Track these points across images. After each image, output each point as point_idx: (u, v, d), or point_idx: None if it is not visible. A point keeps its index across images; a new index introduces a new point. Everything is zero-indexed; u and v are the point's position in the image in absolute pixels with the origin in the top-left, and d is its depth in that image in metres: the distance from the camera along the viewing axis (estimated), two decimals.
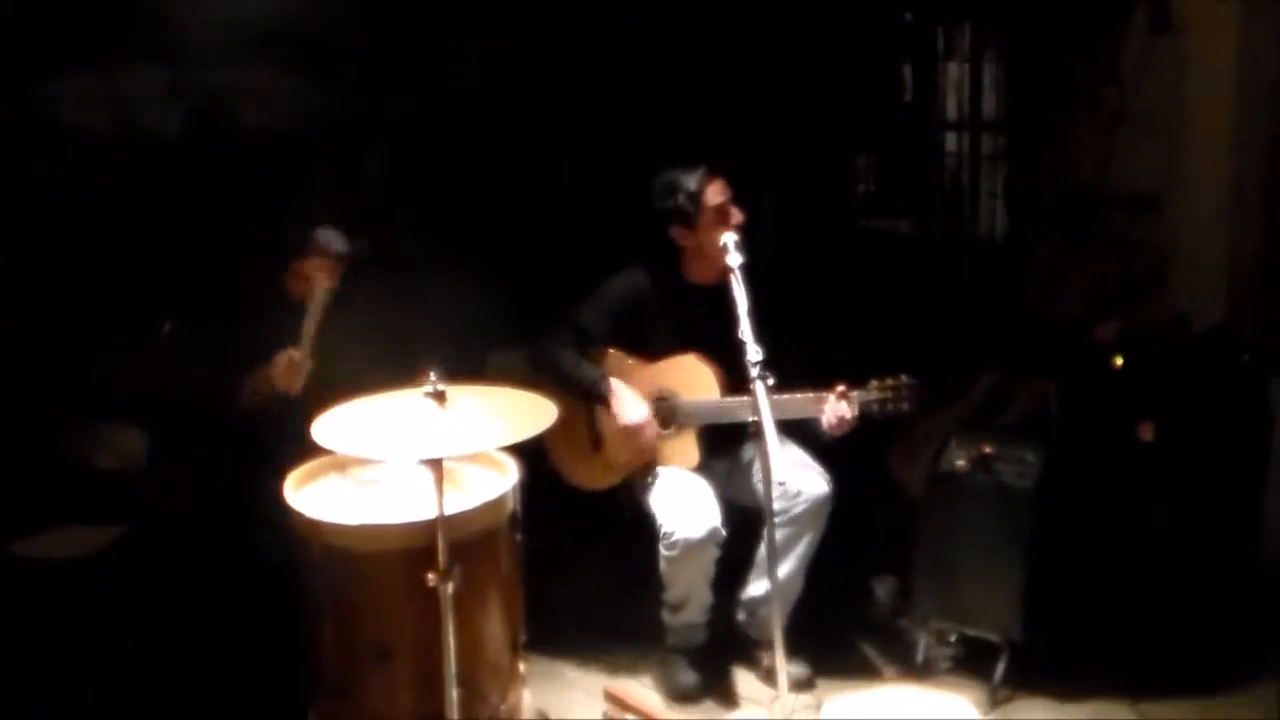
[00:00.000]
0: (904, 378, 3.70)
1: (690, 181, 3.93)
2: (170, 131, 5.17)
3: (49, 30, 4.71)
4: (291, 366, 3.78)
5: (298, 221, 4.01)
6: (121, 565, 4.28)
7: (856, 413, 3.70)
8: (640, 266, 4.10)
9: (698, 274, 4.01)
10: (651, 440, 3.95)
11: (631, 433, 3.93)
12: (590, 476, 4.14)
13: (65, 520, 4.40)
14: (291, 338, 3.87)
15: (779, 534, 3.56)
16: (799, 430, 3.81)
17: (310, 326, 3.82)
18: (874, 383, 3.71)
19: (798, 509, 3.81)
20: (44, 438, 4.65)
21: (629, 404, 3.93)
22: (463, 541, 3.07)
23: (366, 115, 5.27)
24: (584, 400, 4.00)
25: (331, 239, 3.93)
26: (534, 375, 4.02)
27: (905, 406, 3.69)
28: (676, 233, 3.98)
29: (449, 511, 2.99)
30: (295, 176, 4.93)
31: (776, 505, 3.31)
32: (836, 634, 4.21)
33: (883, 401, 3.70)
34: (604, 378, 3.97)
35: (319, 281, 3.86)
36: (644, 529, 3.92)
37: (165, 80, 5.12)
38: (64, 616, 4.03)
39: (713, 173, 3.95)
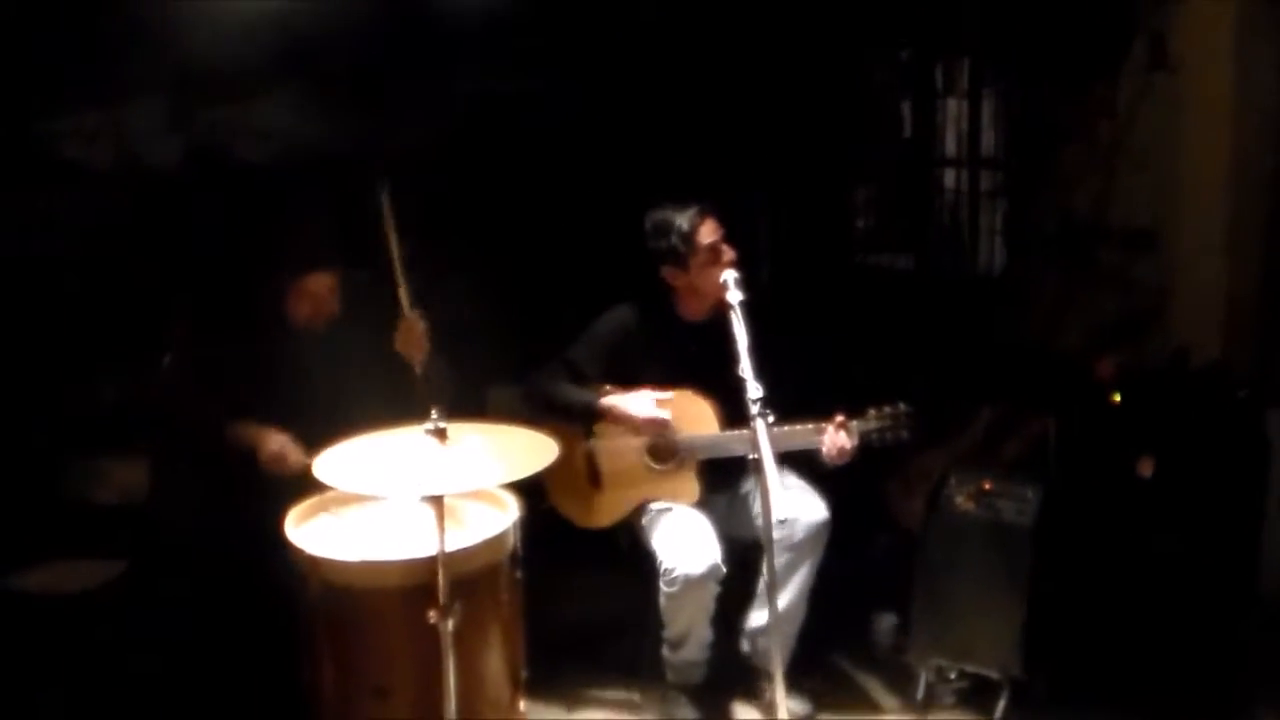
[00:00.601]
0: (902, 406, 3.74)
1: (683, 221, 3.94)
2: (171, 164, 5.18)
3: (50, 64, 4.73)
4: (281, 459, 3.70)
5: (295, 247, 4.02)
6: (123, 600, 4.29)
7: (856, 442, 3.72)
8: (631, 304, 4.11)
9: (690, 311, 4.03)
10: (662, 420, 3.93)
11: (652, 425, 3.93)
12: (590, 514, 4.14)
13: (66, 555, 4.39)
14: (298, 367, 3.88)
15: (778, 561, 3.57)
16: (797, 459, 3.82)
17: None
18: (872, 411, 3.75)
19: (797, 536, 3.83)
20: (45, 472, 4.64)
21: (632, 405, 3.93)
22: (463, 578, 3.07)
23: (365, 148, 5.28)
24: (584, 422, 4.02)
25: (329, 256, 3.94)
26: (530, 414, 4.02)
27: (904, 434, 3.73)
28: (668, 272, 4.00)
29: (450, 548, 3.00)
30: (294, 209, 4.94)
31: (775, 535, 3.31)
32: (837, 669, 4.23)
33: (881, 430, 3.73)
34: (600, 396, 3.98)
35: (318, 314, 3.86)
36: (645, 565, 3.92)
37: (165, 113, 5.14)
38: (64, 652, 4.02)
39: (705, 212, 3.96)
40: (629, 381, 4.04)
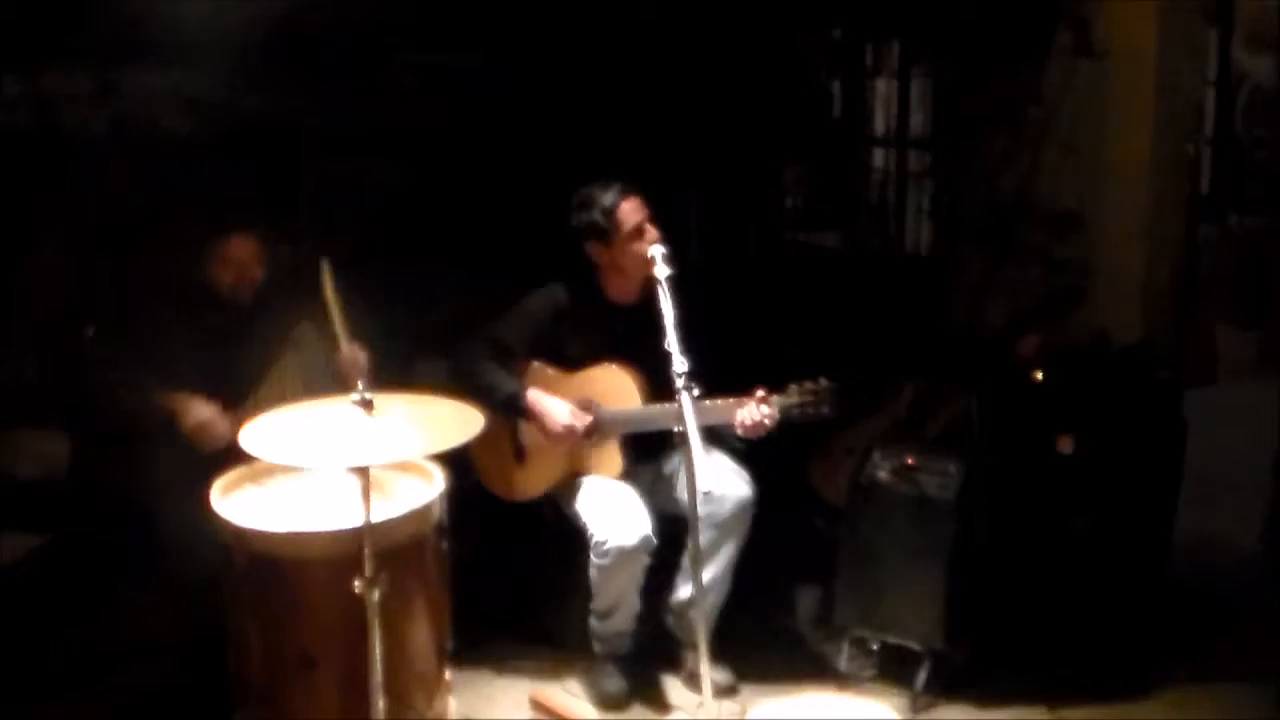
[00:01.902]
0: (823, 382, 3.74)
1: (606, 198, 3.94)
2: (96, 131, 5.11)
3: None
4: (205, 429, 3.70)
5: (216, 210, 3.99)
6: (43, 573, 4.25)
7: (777, 417, 3.73)
8: (561, 283, 4.11)
9: (617, 292, 4.03)
10: (581, 439, 3.95)
11: (560, 438, 3.94)
12: (514, 487, 4.15)
13: None
14: (223, 341, 3.85)
15: (703, 538, 3.60)
16: (719, 436, 3.84)
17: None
18: (793, 387, 3.75)
19: (722, 513, 3.85)
20: None
21: (552, 410, 3.94)
22: (389, 550, 3.08)
23: (297, 119, 5.24)
24: (504, 413, 3.99)
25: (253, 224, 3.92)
26: (453, 387, 4.03)
27: (825, 410, 3.73)
28: (592, 249, 4.00)
29: (376, 519, 3.01)
30: (221, 179, 4.89)
31: (701, 511, 3.34)
32: (760, 642, 4.25)
33: (803, 405, 3.73)
34: (522, 390, 3.98)
35: (242, 279, 3.84)
36: (570, 537, 3.94)
37: (91, 80, 5.06)
38: None
39: (628, 190, 3.97)
40: (556, 359, 4.06)
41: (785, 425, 3.76)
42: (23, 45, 4.83)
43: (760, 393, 3.74)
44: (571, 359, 4.05)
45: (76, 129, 5.01)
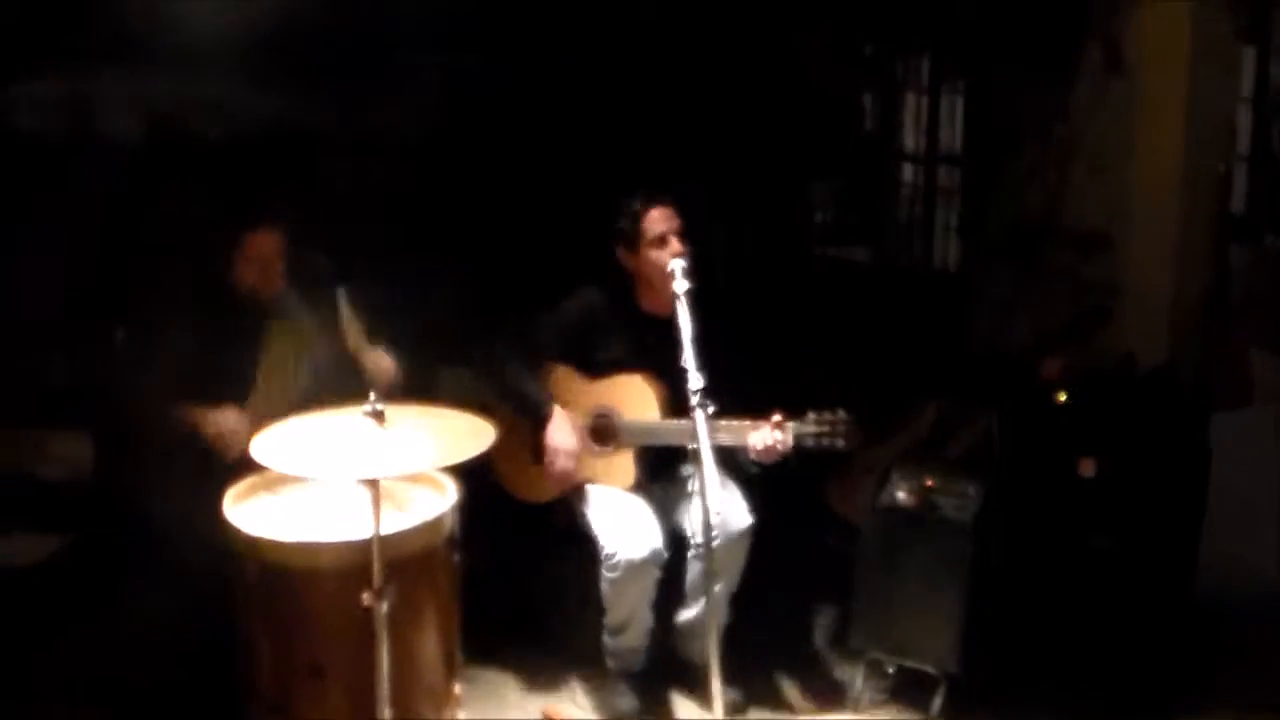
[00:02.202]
0: (842, 414, 3.71)
1: (636, 203, 3.96)
2: (131, 137, 5.15)
3: (7, 34, 4.69)
4: (227, 431, 3.71)
5: (239, 206, 3.99)
6: (65, 574, 4.28)
7: (790, 443, 3.71)
8: (595, 289, 4.12)
9: (649, 302, 4.03)
10: (570, 476, 3.97)
11: (553, 459, 3.95)
12: (529, 488, 4.16)
13: (10, 528, 4.38)
14: (245, 343, 3.87)
15: (701, 566, 3.59)
16: (728, 461, 3.82)
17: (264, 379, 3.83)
18: (811, 415, 3.73)
19: (717, 541, 3.78)
20: None
21: (559, 434, 3.95)
22: (399, 561, 3.09)
23: (326, 128, 5.27)
24: (524, 417, 4.02)
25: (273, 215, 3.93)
26: (479, 383, 4.10)
27: (840, 443, 3.70)
28: (621, 255, 4.01)
29: (386, 531, 3.01)
30: (252, 186, 4.92)
31: (703, 537, 3.32)
32: (776, 663, 4.23)
33: (818, 435, 3.71)
34: (549, 401, 4.00)
35: (266, 278, 3.85)
36: (582, 548, 3.94)
37: (127, 86, 5.10)
38: (8, 624, 4.01)
39: (659, 200, 3.97)
40: (584, 364, 4.07)
41: (799, 453, 3.74)
42: (53, 49, 4.87)
43: (777, 417, 3.72)
44: (598, 365, 4.06)
45: (105, 131, 5.05)
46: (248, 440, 3.53)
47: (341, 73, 5.15)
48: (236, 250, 3.86)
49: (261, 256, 3.87)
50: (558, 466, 3.95)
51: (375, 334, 3.96)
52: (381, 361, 3.84)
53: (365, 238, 5.32)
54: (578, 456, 3.97)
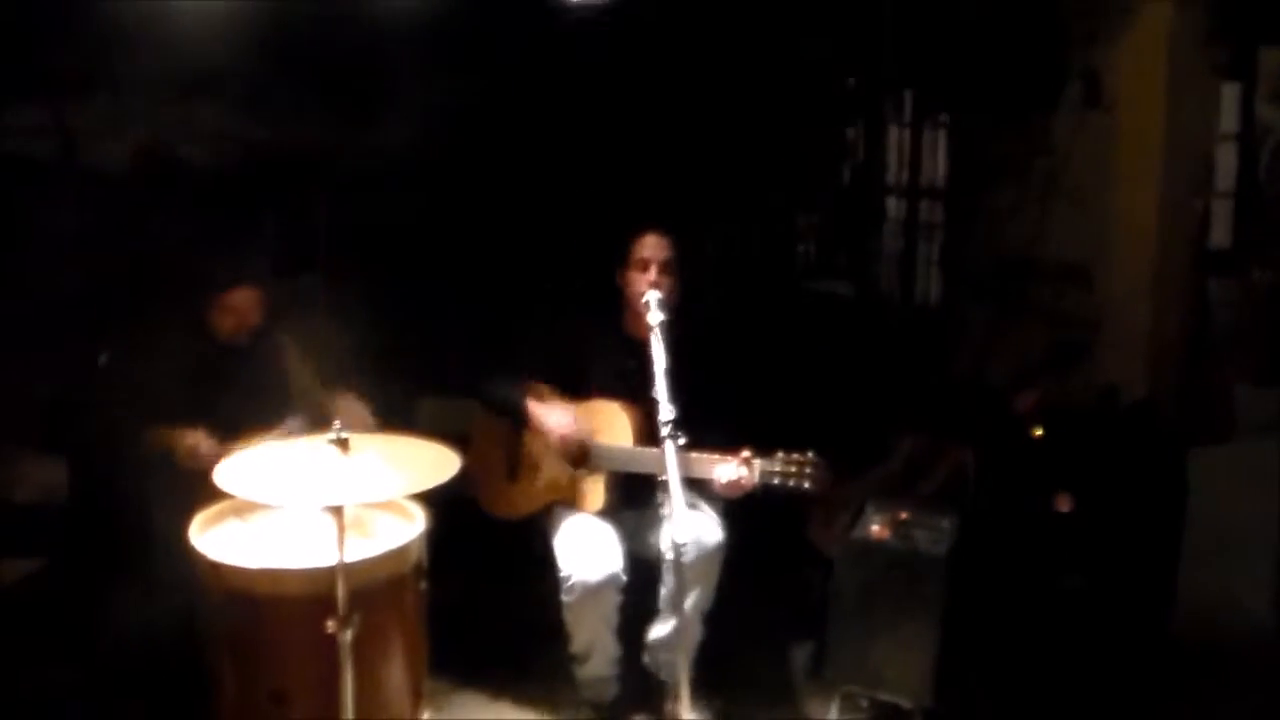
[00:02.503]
0: (810, 455, 3.66)
1: (639, 226, 4.00)
2: (117, 164, 5.16)
3: None
4: (195, 453, 3.71)
5: (227, 257, 4.02)
6: (39, 597, 4.27)
7: (755, 480, 3.69)
8: (582, 313, 4.17)
9: (634, 328, 4.03)
10: (582, 446, 3.95)
11: (563, 437, 3.94)
12: (503, 504, 4.17)
13: None
14: (218, 379, 3.87)
15: (672, 580, 3.58)
16: (701, 485, 3.80)
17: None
18: (780, 454, 3.69)
19: (690, 557, 3.78)
20: None
21: (551, 415, 3.97)
22: (365, 589, 3.08)
23: (309, 154, 5.28)
24: (507, 418, 4.07)
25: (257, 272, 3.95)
26: (463, 394, 4.21)
27: (806, 485, 3.65)
28: (618, 273, 4.03)
29: (352, 558, 3.00)
30: (235, 214, 4.93)
31: (671, 555, 3.31)
32: (751, 694, 4.20)
33: (785, 475, 3.66)
34: (524, 398, 4.02)
35: (241, 328, 3.87)
36: (554, 575, 3.92)
37: (110, 113, 5.12)
38: None
39: (658, 227, 4.00)
40: (566, 386, 4.08)
41: (766, 491, 3.71)
42: (43, 75, 4.89)
43: (745, 453, 3.69)
44: (578, 388, 4.07)
45: (90, 157, 5.06)
46: (217, 459, 3.56)
47: (329, 98, 5.17)
48: (214, 301, 3.90)
49: (238, 308, 3.92)
50: (558, 433, 3.94)
51: (348, 375, 3.99)
52: (353, 407, 3.84)
53: (347, 268, 5.35)
54: (576, 421, 3.95)
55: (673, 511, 3.08)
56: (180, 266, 4.25)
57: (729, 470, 3.68)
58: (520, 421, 4.04)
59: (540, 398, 4.06)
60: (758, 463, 3.69)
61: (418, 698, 3.39)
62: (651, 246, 3.97)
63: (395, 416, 3.92)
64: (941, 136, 5.79)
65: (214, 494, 3.31)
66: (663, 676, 4.01)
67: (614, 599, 3.84)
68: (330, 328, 4.33)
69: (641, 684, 4.07)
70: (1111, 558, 4.03)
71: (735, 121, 5.60)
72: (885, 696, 3.97)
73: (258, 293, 3.94)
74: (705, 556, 3.84)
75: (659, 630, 3.98)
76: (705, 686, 3.78)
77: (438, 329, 5.17)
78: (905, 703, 3.93)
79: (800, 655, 4.39)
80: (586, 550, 3.84)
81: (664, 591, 3.92)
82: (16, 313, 4.78)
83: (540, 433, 3.98)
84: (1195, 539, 4.21)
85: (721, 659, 3.96)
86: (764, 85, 5.66)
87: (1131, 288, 4.75)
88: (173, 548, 3.36)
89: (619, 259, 4.01)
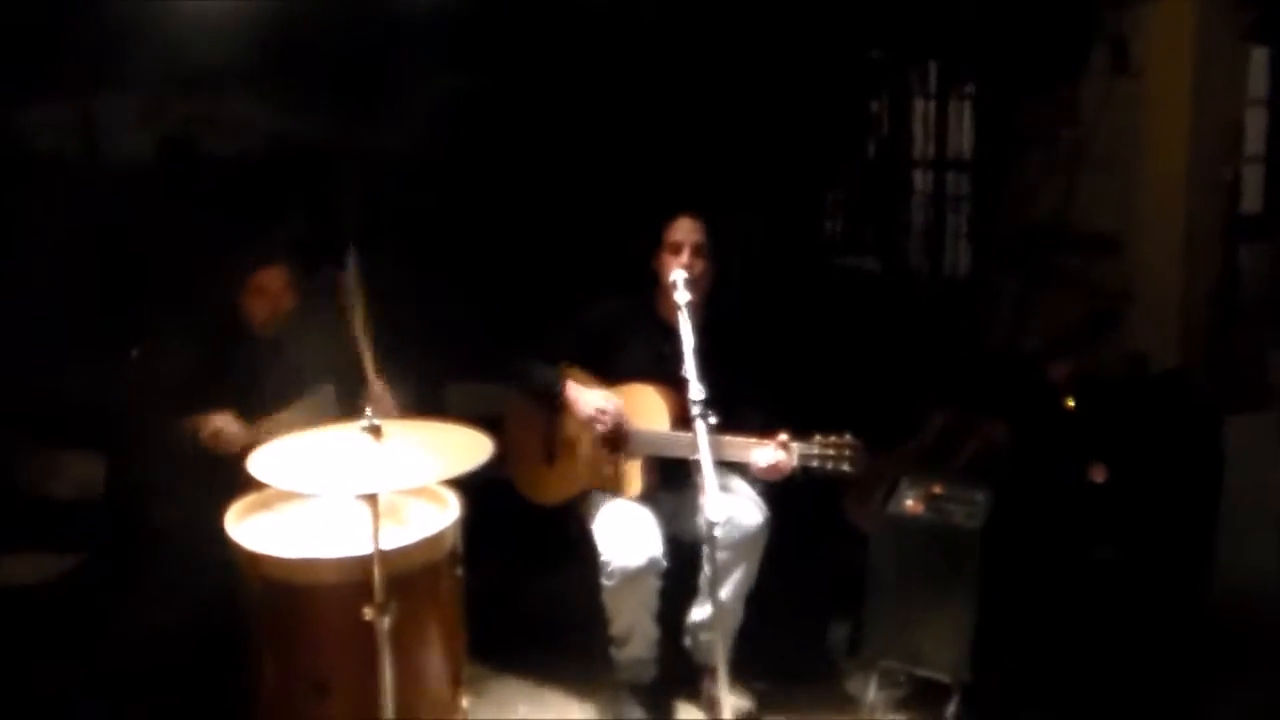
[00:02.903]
0: (848, 437, 3.66)
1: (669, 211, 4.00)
2: (143, 157, 5.18)
3: (22, 56, 4.73)
4: (221, 434, 3.73)
5: (257, 244, 4.02)
6: (79, 592, 4.30)
7: (794, 464, 3.69)
8: (617, 297, 4.17)
9: (668, 312, 4.03)
10: (617, 423, 3.94)
11: (601, 418, 3.94)
12: (540, 489, 4.19)
13: (23, 547, 4.40)
14: (250, 370, 3.88)
15: (709, 561, 3.57)
16: (741, 467, 3.81)
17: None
18: (818, 437, 3.69)
19: (733, 539, 3.81)
20: (3, 465, 4.64)
21: (587, 395, 3.97)
22: (402, 576, 3.07)
23: (339, 143, 5.29)
24: (541, 402, 4.07)
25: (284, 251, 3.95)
26: (498, 377, 4.21)
27: (845, 467, 3.66)
28: (653, 259, 4.02)
29: (387, 546, 3.00)
30: (264, 205, 4.95)
31: (707, 548, 3.31)
32: (787, 671, 4.20)
33: (823, 458, 3.67)
34: (560, 380, 4.03)
35: (274, 310, 3.87)
36: (592, 559, 3.92)
37: (139, 107, 5.14)
38: (20, 643, 4.02)
39: (692, 211, 4.00)
40: (600, 370, 4.08)
41: (805, 473, 3.71)
42: (67, 71, 4.90)
43: (782, 437, 3.69)
44: (613, 372, 4.07)
45: (117, 152, 5.08)
46: (243, 442, 3.58)
47: (357, 90, 5.18)
48: (245, 284, 3.91)
49: (270, 289, 3.91)
50: (592, 408, 3.94)
51: (381, 355, 3.98)
52: (382, 396, 3.84)
53: (377, 254, 5.36)
54: (609, 397, 3.95)
55: (707, 491, 3.07)
56: (208, 258, 4.26)
57: (767, 454, 3.68)
58: (556, 405, 4.04)
59: (572, 379, 4.07)
60: (795, 446, 3.69)
61: (456, 684, 3.39)
62: (684, 230, 3.97)
63: (424, 403, 3.93)
64: (967, 107, 5.75)
65: (248, 484, 3.35)
66: (701, 658, 4.02)
67: (654, 584, 3.85)
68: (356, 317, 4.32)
69: (680, 665, 4.07)
70: (1146, 528, 4.01)
71: (760, 99, 5.57)
72: (923, 672, 3.97)
73: (287, 271, 3.93)
74: (746, 538, 3.85)
75: (698, 613, 3.99)
76: (743, 666, 3.79)
77: (470, 315, 5.17)
78: (943, 677, 3.93)
79: (837, 632, 4.37)
80: (627, 535, 3.84)
81: (703, 574, 3.92)
82: (48, 309, 4.82)
83: (577, 415, 3.98)
84: (1231, 507, 4.17)
85: (758, 637, 3.96)
86: (788, 61, 5.63)
87: (1162, 255, 4.72)
88: (209, 540, 3.37)
89: (655, 243, 4.00)
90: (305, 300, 4.03)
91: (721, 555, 3.75)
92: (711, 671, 3.87)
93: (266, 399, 3.92)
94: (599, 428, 3.94)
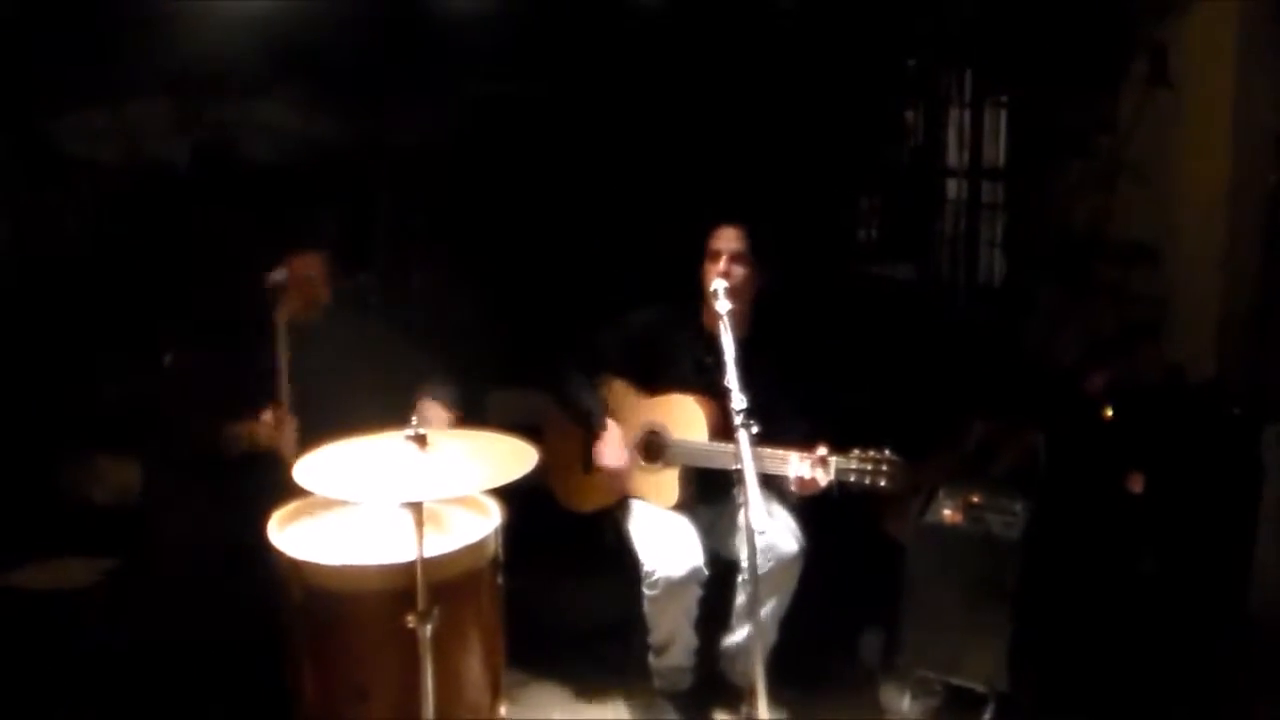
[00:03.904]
0: (887, 453, 3.62)
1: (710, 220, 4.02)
2: (177, 163, 5.21)
3: (56, 62, 4.76)
4: (276, 425, 3.73)
5: (284, 229, 4.03)
6: (117, 597, 4.32)
7: (832, 478, 3.65)
8: (661, 306, 4.18)
9: (711, 320, 4.03)
10: (617, 488, 4.03)
11: (605, 475, 4.01)
12: (577, 497, 4.22)
13: (62, 552, 4.42)
14: (290, 369, 3.89)
15: (750, 583, 3.57)
16: (777, 487, 3.80)
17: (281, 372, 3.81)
18: (856, 452, 3.65)
19: (767, 566, 3.80)
20: (41, 469, 4.67)
21: (609, 448, 4.00)
22: (443, 583, 3.09)
23: (372, 148, 5.31)
24: (578, 425, 4.10)
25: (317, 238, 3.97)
26: (541, 388, 4.25)
27: (883, 483, 3.61)
28: (699, 269, 4.04)
29: (430, 553, 3.02)
30: (299, 209, 4.96)
31: (748, 558, 3.31)
32: (822, 682, 4.21)
33: (861, 473, 3.62)
34: (602, 413, 4.05)
35: (308, 298, 3.87)
36: (630, 564, 3.93)
37: (171, 112, 5.16)
38: (58, 648, 4.05)
39: (733, 223, 4.01)
40: (643, 380, 4.11)
41: (841, 488, 3.68)
42: (108, 78, 4.93)
43: (821, 451, 3.66)
44: (656, 381, 4.09)
45: (153, 157, 5.11)
46: (287, 438, 3.59)
47: (397, 94, 5.20)
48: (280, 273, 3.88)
49: (305, 277, 3.89)
50: (615, 483, 4.04)
51: (423, 374, 4.00)
52: (431, 409, 3.85)
53: (417, 261, 5.39)
54: (624, 474, 4.01)
55: (748, 501, 3.07)
56: (242, 263, 4.27)
57: (804, 469, 3.67)
58: (591, 431, 4.06)
59: (615, 393, 4.08)
60: (834, 460, 3.66)
61: (496, 691, 3.41)
62: (724, 239, 3.98)
63: (468, 411, 3.95)
64: (1002, 116, 5.73)
65: (288, 490, 3.37)
66: (736, 680, 4.02)
67: (696, 593, 3.86)
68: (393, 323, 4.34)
69: (716, 677, 4.08)
70: (1184, 538, 4.00)
71: (796, 107, 5.57)
72: (959, 681, 3.97)
73: (322, 259, 3.92)
74: (782, 566, 3.85)
75: (732, 638, 4.00)
76: (778, 678, 3.78)
77: (511, 320, 5.19)
78: (979, 687, 3.93)
79: (873, 641, 4.37)
80: (669, 545, 3.85)
81: (739, 600, 3.93)
82: (85, 314, 4.85)
83: (595, 458, 4.04)
84: (1269, 517, 4.16)
85: (794, 647, 3.94)
86: (824, 69, 5.63)
87: (1200, 265, 4.70)
88: (246, 545, 3.39)
89: (700, 252, 4.02)
90: (338, 302, 4.04)
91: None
92: (748, 693, 3.87)
93: (310, 402, 3.92)
94: (604, 477, 4.01)
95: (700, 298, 4.05)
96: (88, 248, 4.95)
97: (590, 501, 4.17)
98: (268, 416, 3.74)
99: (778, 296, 4.08)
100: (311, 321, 3.93)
